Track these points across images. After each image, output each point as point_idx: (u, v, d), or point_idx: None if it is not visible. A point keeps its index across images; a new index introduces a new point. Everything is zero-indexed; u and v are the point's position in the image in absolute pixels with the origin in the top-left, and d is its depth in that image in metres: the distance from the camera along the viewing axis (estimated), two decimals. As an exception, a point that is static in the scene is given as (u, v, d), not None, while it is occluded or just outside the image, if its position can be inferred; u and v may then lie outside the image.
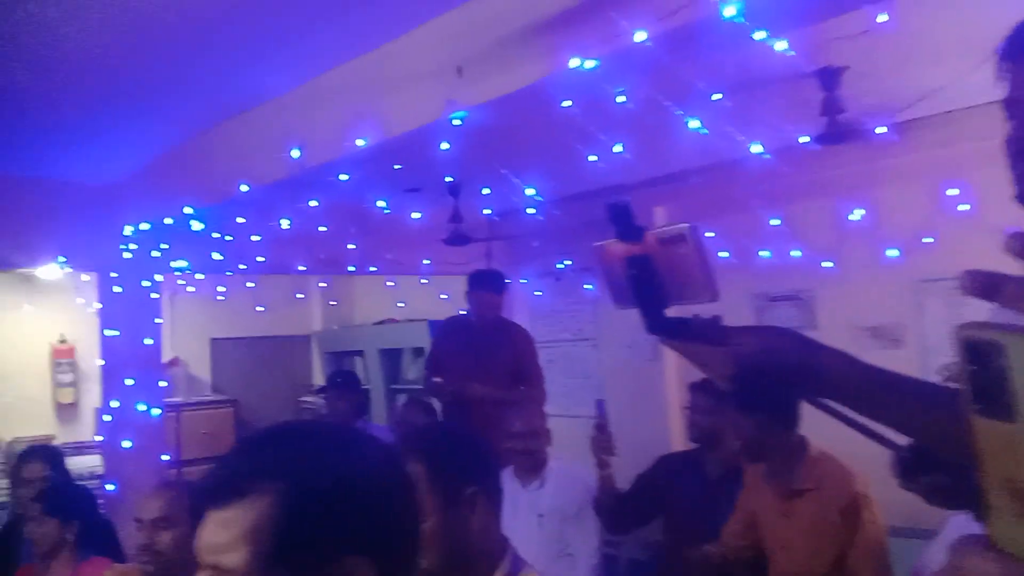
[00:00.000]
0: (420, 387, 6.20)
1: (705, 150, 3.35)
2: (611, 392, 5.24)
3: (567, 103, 2.55)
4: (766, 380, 1.01)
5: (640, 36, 2.18)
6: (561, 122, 2.85)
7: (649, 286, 0.97)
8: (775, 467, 2.58)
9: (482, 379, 4.13)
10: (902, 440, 1.05)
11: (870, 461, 2.49)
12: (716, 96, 2.55)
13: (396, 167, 3.48)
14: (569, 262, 5.31)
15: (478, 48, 2.65)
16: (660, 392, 4.97)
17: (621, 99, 2.57)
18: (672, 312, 1.00)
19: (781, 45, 2.26)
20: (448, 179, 3.92)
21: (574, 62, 2.30)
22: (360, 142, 3.03)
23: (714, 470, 3.14)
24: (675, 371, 4.87)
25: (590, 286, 5.25)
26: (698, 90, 2.67)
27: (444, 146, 2.93)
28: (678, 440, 4.56)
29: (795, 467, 2.54)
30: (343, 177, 3.36)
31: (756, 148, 2.83)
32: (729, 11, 2.04)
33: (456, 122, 2.74)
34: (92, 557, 2.68)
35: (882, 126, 3.02)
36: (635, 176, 3.80)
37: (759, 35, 2.18)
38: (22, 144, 4.00)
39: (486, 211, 4.18)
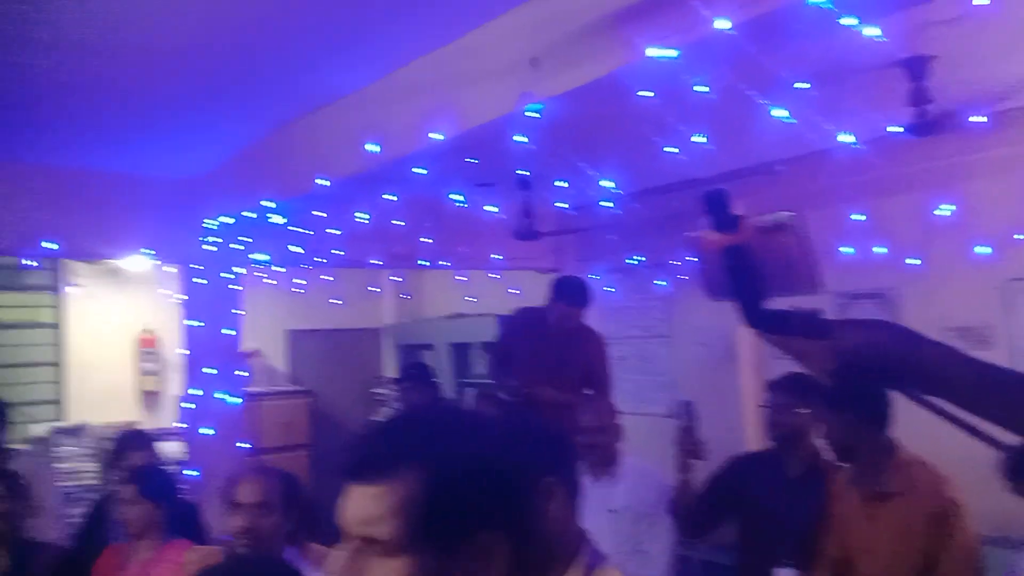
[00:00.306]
0: (490, 381, 6.24)
1: (787, 141, 3.25)
2: (684, 390, 5.15)
3: (645, 93, 2.50)
4: (870, 375, 0.96)
5: (722, 24, 2.12)
6: (637, 113, 2.81)
7: (747, 277, 0.94)
8: (863, 468, 2.48)
9: (550, 380, 4.12)
10: (1011, 439, 0.99)
11: (963, 467, 2.39)
12: (801, 85, 2.47)
13: (470, 161, 3.48)
14: (641, 257, 5.24)
15: (553, 39, 2.62)
16: (735, 390, 4.86)
17: (700, 89, 2.51)
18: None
19: (872, 32, 2.17)
20: (521, 172, 3.90)
21: (652, 52, 2.26)
22: (436, 136, 3.04)
23: (793, 471, 3.05)
24: (751, 369, 4.76)
25: (662, 282, 5.17)
26: (781, 79, 2.59)
27: (518, 138, 2.91)
28: (753, 440, 4.46)
29: (884, 469, 2.44)
30: (418, 171, 3.37)
31: (845, 138, 2.73)
32: (816, -4, 1.96)
33: (531, 114, 2.72)
34: (175, 539, 2.77)
35: (978, 116, 2.87)
36: (713, 168, 3.72)
37: (847, 21, 2.10)
38: (110, 140, 4.16)
39: (561, 204, 4.14)
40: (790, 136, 3.00)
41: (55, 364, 5.93)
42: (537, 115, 2.74)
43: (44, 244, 4.33)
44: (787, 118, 2.51)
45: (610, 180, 3.60)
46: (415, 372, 4.81)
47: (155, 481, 2.83)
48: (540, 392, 4.03)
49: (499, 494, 0.92)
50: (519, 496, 0.95)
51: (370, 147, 3.32)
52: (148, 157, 4.46)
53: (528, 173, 4.07)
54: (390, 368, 7.34)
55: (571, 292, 4.18)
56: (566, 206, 4.25)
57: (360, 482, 0.91)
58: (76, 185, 4.51)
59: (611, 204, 3.74)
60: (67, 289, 5.90)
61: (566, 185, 4.09)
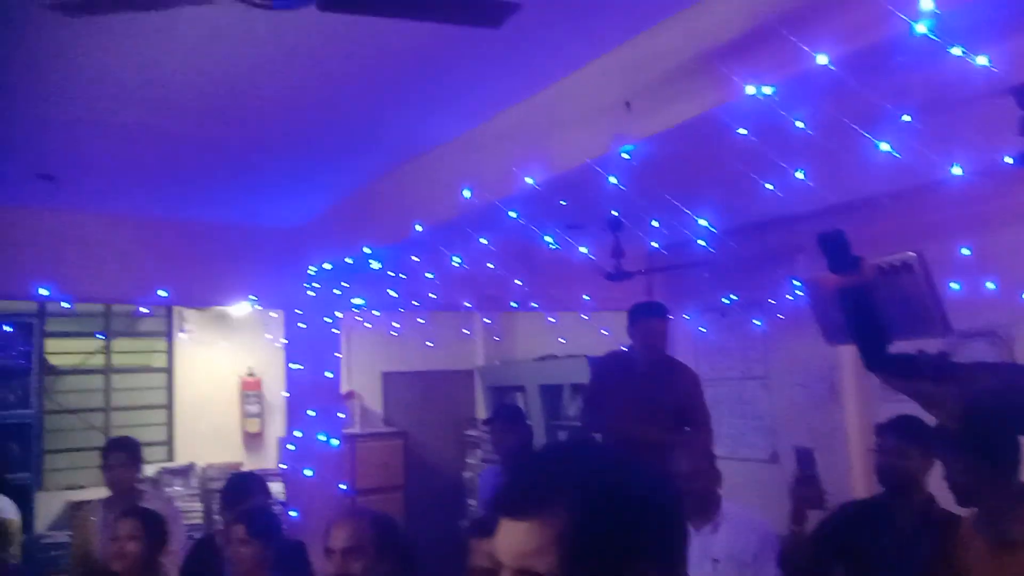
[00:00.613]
0: (580, 424, 6.19)
1: (891, 175, 3.16)
2: (785, 434, 4.99)
3: (741, 131, 2.49)
4: (1002, 417, 0.92)
5: (822, 59, 2.10)
6: (733, 150, 2.79)
7: (869, 320, 0.92)
8: (991, 515, 2.34)
9: (645, 419, 4.04)
10: None
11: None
12: (906, 117, 2.40)
13: (562, 203, 3.52)
14: (736, 296, 5.14)
15: (647, 81, 2.64)
16: (839, 433, 4.67)
17: (799, 124, 2.48)
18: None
19: (980, 60, 2.10)
20: (613, 213, 3.91)
21: (750, 90, 2.25)
22: (529, 180, 3.09)
23: (906, 519, 2.89)
24: (856, 411, 4.57)
25: (758, 321, 5.05)
26: (885, 111, 2.53)
27: (612, 180, 2.93)
28: (860, 486, 4.26)
29: (1015, 516, 2.29)
30: (511, 214, 3.43)
31: (953, 171, 2.64)
32: (921, 28, 1.92)
33: (624, 155, 2.74)
34: (281, 578, 2.83)
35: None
36: (812, 204, 3.64)
37: (955, 51, 2.04)
38: (219, 193, 4.39)
39: (653, 244, 4.12)
40: (894, 169, 2.91)
41: (165, 407, 6.22)
42: (629, 156, 2.76)
43: (158, 292, 4.58)
44: (891, 151, 2.44)
45: (704, 218, 3.57)
46: (506, 414, 4.82)
47: (264, 521, 2.92)
48: (633, 432, 3.96)
49: (654, 528, 0.94)
50: (671, 531, 0.97)
51: (465, 193, 3.41)
52: (254, 208, 4.68)
53: (618, 214, 4.08)
54: (482, 410, 7.38)
55: (647, 308, 4.13)
56: (657, 245, 4.22)
57: (516, 516, 0.93)
58: (186, 236, 4.77)
59: (704, 242, 3.69)
60: (178, 335, 6.20)
61: (658, 224, 4.07)
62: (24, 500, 4.98)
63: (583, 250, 3.96)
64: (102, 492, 5.10)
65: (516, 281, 4.92)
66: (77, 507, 4.99)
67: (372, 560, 2.34)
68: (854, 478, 4.45)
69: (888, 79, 2.39)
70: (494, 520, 1.98)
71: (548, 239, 3.83)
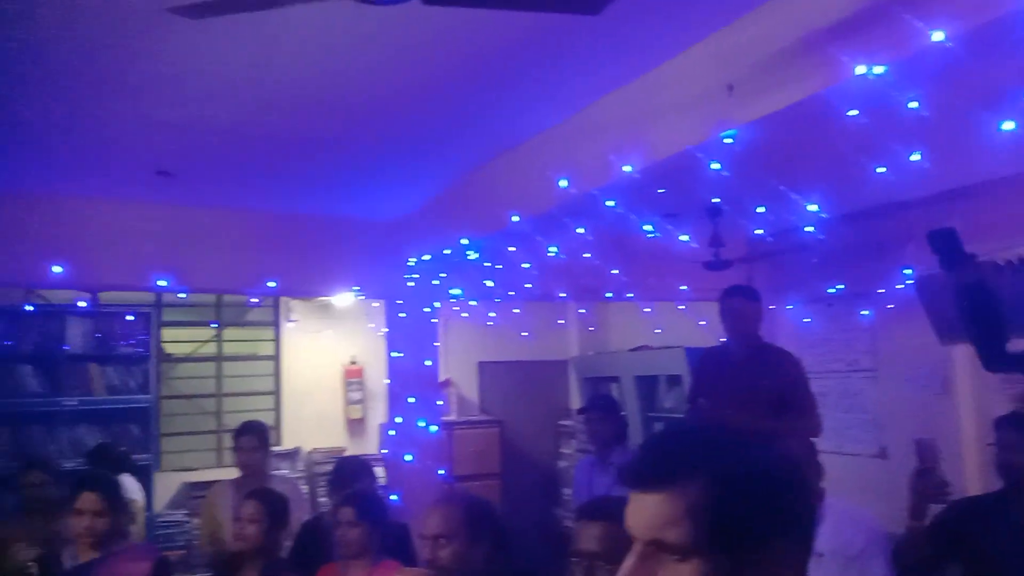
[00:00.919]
0: (677, 415, 6.10)
1: (1008, 158, 2.99)
2: (894, 429, 4.80)
3: (851, 113, 2.40)
4: None
5: (937, 36, 2.01)
6: (841, 133, 2.70)
7: (986, 318, 0.88)
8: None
9: (748, 409, 3.95)
10: None
11: None
12: (1030, 95, 2.27)
13: (660, 191, 3.48)
14: (841, 286, 4.96)
15: (750, 64, 2.59)
16: (952, 429, 4.46)
17: (912, 105, 2.38)
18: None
19: (1116, 30, 1.97)
20: (714, 201, 3.85)
21: (860, 70, 2.17)
22: (626, 168, 3.08)
23: (1025, 514, 2.74)
24: (970, 405, 4.36)
25: (867, 312, 4.87)
26: (1003, 91, 2.40)
27: (713, 166, 2.88)
28: (975, 482, 4.06)
29: None
30: (608, 203, 3.42)
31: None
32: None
33: (727, 141, 2.69)
34: (386, 560, 2.92)
35: None
36: (925, 189, 3.48)
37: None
38: (324, 187, 4.54)
39: (757, 231, 4.03)
40: (1012, 152, 2.76)
41: (273, 393, 6.48)
42: (732, 140, 2.71)
43: (267, 283, 4.78)
44: (1013, 129, 2.31)
45: (809, 205, 3.47)
46: (600, 403, 4.80)
47: (371, 504, 3.01)
48: (738, 419, 3.88)
49: (789, 503, 0.94)
50: (805, 508, 0.97)
51: (561, 183, 3.42)
52: (357, 202, 4.82)
53: (719, 200, 4.00)
54: (576, 400, 7.39)
55: (735, 289, 4.00)
56: (761, 232, 4.11)
57: (650, 489, 0.94)
58: (293, 229, 4.96)
59: (811, 228, 3.59)
60: (285, 324, 6.46)
61: (761, 211, 3.98)
62: (144, 480, 5.30)
63: (684, 238, 3.90)
64: (216, 474, 5.39)
65: (612, 271, 4.89)
66: (201, 487, 5.26)
67: (464, 545, 2.36)
68: (968, 473, 4.25)
69: (1007, 57, 2.26)
70: (603, 503, 1.98)
71: (646, 228, 3.80)
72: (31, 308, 5.26)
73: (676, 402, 6.22)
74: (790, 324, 5.47)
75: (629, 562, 0.94)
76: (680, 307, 5.82)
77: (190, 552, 4.78)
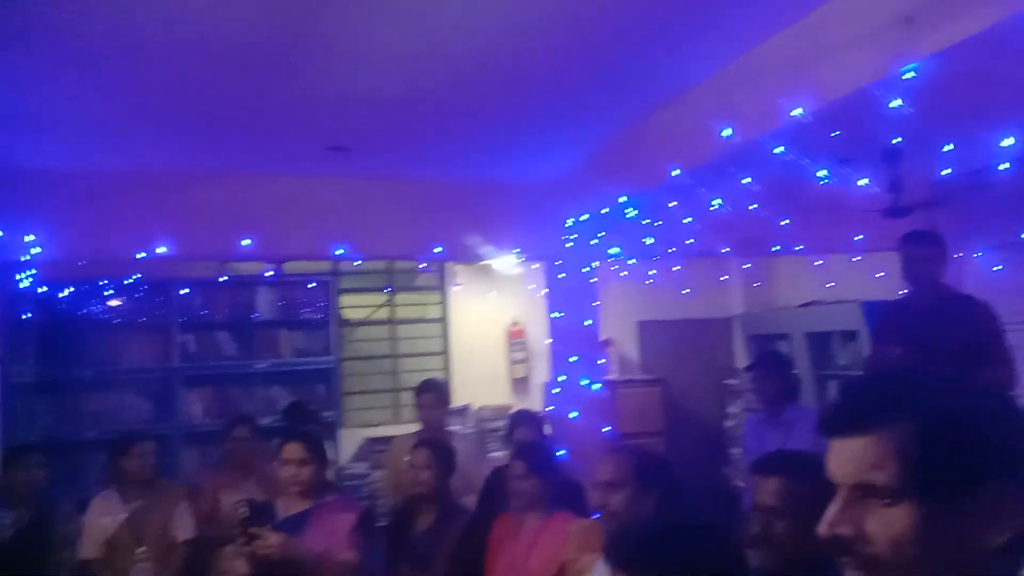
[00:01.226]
0: (853, 373, 5.81)
1: None
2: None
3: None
4: None
5: None
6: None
7: None
8: None
9: (930, 361, 3.69)
10: None
11: None
12: None
13: (833, 135, 3.30)
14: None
15: (933, -9, 2.39)
16: None
17: None
18: None
19: None
20: (894, 141, 3.59)
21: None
22: (796, 112, 2.94)
23: None
24: None
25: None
26: None
27: (893, 104, 2.69)
28: None
29: None
30: (776, 150, 3.28)
31: None
32: None
33: (907, 76, 2.50)
34: (559, 512, 3.00)
35: None
36: None
37: None
38: (484, 152, 4.64)
39: (943, 172, 3.74)
40: None
41: (442, 354, 6.77)
42: (913, 75, 2.52)
43: (434, 249, 4.97)
44: None
45: (1000, 143, 3.17)
46: (769, 360, 4.65)
47: (542, 457, 3.11)
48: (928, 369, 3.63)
49: (1009, 442, 0.90)
50: (1021, 448, 0.92)
51: (725, 132, 3.31)
52: (516, 165, 4.90)
53: (899, 140, 3.73)
54: (741, 359, 7.20)
55: (913, 234, 3.72)
56: (948, 171, 3.80)
57: (853, 434, 0.93)
58: (456, 196, 5.12)
59: (1006, 165, 3.28)
60: (451, 288, 6.70)
61: (948, 149, 3.67)
62: (330, 436, 5.71)
63: (863, 182, 3.67)
64: (393, 430, 5.72)
65: (780, 222, 4.70)
66: (381, 442, 5.60)
67: (635, 493, 2.39)
68: None
69: None
70: (779, 458, 1.94)
71: (819, 173, 3.61)
72: (225, 279, 5.75)
73: (851, 360, 5.93)
74: (978, 272, 5.06)
75: (834, 508, 0.92)
76: (855, 258, 5.52)
77: (373, 502, 5.12)
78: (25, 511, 3.61)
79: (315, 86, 3.51)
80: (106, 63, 3.18)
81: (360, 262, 5.22)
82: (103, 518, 3.64)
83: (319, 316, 6.27)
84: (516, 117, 4.06)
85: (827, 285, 6.09)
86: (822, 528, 0.92)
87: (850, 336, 5.87)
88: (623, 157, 4.37)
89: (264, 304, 6.16)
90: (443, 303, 6.79)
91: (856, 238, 5.08)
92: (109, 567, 3.55)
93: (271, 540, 2.69)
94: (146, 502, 3.70)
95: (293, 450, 2.97)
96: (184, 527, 3.75)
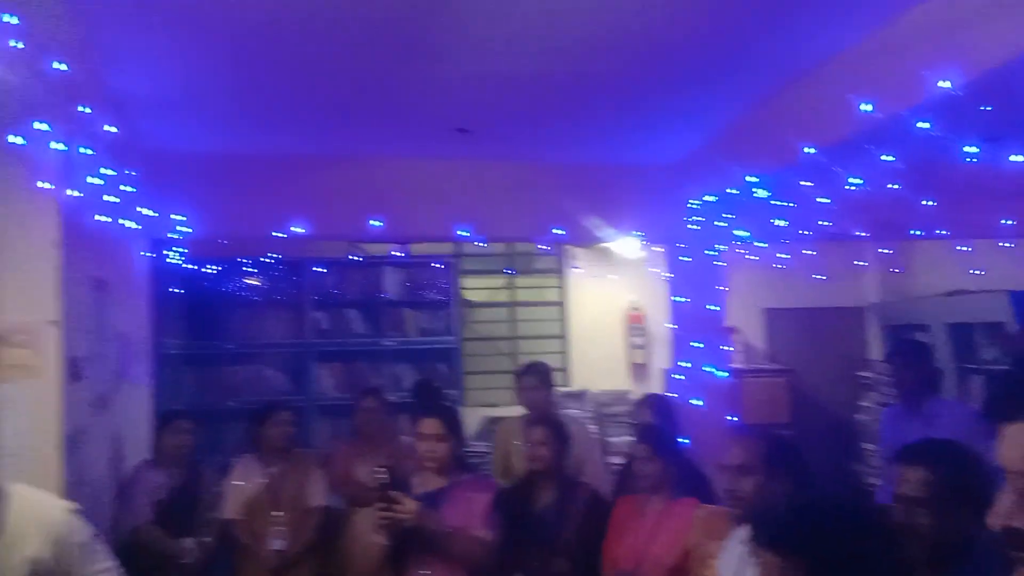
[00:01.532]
0: (1000, 368, 5.42)
1: None
2: None
3: None
4: None
5: None
6: None
7: None
8: None
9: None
10: None
11: None
12: None
13: (984, 109, 3.07)
14: None
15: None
16: None
17: None
18: None
19: None
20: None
21: None
22: (944, 84, 2.76)
23: None
24: None
25: None
26: None
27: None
28: None
29: None
30: (921, 126, 3.09)
31: None
32: None
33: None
34: (683, 497, 2.95)
35: None
36: None
37: None
38: (606, 134, 4.61)
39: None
40: None
41: (560, 337, 6.78)
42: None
43: (554, 231, 4.98)
44: None
45: None
46: (909, 348, 4.39)
47: (667, 442, 3.07)
48: None
49: None
50: None
51: (864, 107, 3.15)
52: (636, 147, 4.84)
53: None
54: (875, 350, 6.86)
55: None
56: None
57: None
58: (577, 178, 5.11)
59: None
60: (569, 271, 6.70)
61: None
62: (452, 414, 5.83)
63: (1016, 158, 3.42)
64: (514, 410, 5.79)
65: (923, 202, 4.42)
66: (495, 421, 5.70)
67: (765, 478, 2.31)
68: None
69: None
70: (926, 447, 1.85)
71: (966, 151, 3.39)
72: (355, 259, 5.97)
73: (998, 353, 5.54)
74: None
75: (1008, 497, 0.86)
76: (1004, 244, 5.14)
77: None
78: (177, 472, 3.89)
79: (443, 69, 3.58)
80: (243, 51, 3.36)
81: (482, 243, 5.30)
82: (245, 480, 3.87)
83: (442, 297, 6.41)
84: (640, 97, 4.01)
85: (972, 272, 5.71)
86: (993, 520, 0.86)
87: (997, 328, 5.49)
88: (752, 135, 4.23)
89: (391, 284, 6.36)
90: (561, 286, 6.81)
91: (1006, 222, 4.72)
92: (249, 528, 3.78)
93: (409, 506, 2.69)
94: (283, 468, 3.91)
95: (431, 425, 2.94)
96: (317, 494, 3.94)
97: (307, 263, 6.04)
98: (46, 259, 2.99)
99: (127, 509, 3.77)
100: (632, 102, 4.09)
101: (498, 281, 6.85)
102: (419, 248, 5.96)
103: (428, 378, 5.67)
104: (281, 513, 3.74)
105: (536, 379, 4.24)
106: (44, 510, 2.08)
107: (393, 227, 4.91)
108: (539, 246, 5.71)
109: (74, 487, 3.04)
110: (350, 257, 5.97)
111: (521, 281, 6.87)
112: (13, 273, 2.81)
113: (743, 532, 2.29)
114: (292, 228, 4.73)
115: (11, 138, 2.78)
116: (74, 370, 3.22)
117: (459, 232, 4.90)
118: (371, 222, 4.84)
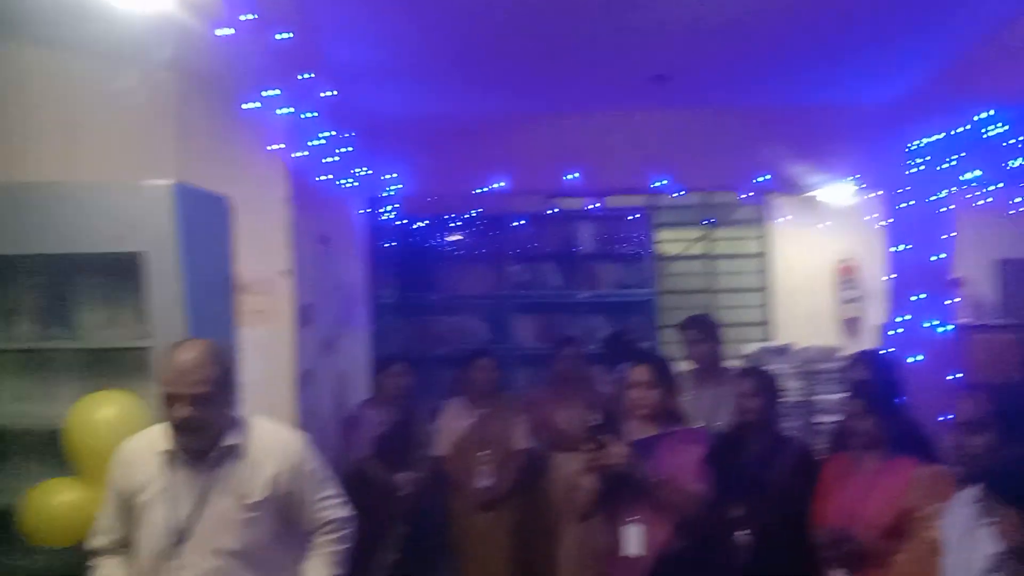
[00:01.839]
0: None
1: None
2: None
3: None
4: None
5: None
6: None
7: None
8: None
9: None
10: None
11: None
12: None
13: None
14: None
15: None
16: None
17: None
18: None
19: None
20: None
21: None
22: None
23: None
24: None
25: None
26: None
27: None
28: None
29: None
30: None
31: None
32: None
33: None
34: (900, 456, 2.78)
35: None
36: None
37: None
38: (813, 74, 4.33)
39: None
40: None
41: (762, 290, 6.53)
42: None
43: (758, 179, 4.78)
44: None
45: None
46: None
47: (883, 399, 2.90)
48: None
49: None
50: None
51: None
52: (847, 86, 4.51)
53: None
54: None
55: None
56: None
57: None
58: (782, 123, 4.85)
59: None
60: (771, 221, 6.40)
61: None
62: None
63: None
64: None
65: None
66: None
67: (999, 436, 2.12)
68: None
69: None
70: None
71: None
72: (551, 213, 6.06)
73: None
74: None
75: None
76: None
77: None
78: (394, 411, 4.20)
79: (638, 17, 3.52)
80: (447, 16, 3.48)
81: (679, 194, 5.19)
82: (454, 421, 4.14)
83: (637, 250, 6.36)
84: (850, 32, 3.73)
85: None
86: None
87: None
88: (984, 68, 3.81)
89: (586, 237, 6.39)
90: (763, 237, 6.52)
91: None
92: (458, 464, 4.05)
93: (619, 451, 2.68)
94: (489, 411, 4.13)
95: (641, 372, 2.89)
96: (521, 436, 4.12)
97: (506, 218, 6.21)
98: (278, 215, 3.31)
99: (350, 444, 4.14)
100: (843, 39, 3.82)
101: (693, 233, 6.69)
102: (614, 201, 5.93)
103: (620, 330, 5.68)
104: (488, 452, 3.95)
105: (699, 332, 4.10)
106: (281, 438, 2.30)
107: (590, 180, 4.93)
108: (739, 196, 5.50)
109: (305, 420, 3.38)
110: (547, 212, 6.06)
111: (719, 233, 6.67)
112: (250, 229, 3.10)
113: (971, 492, 2.14)
114: (493, 184, 4.89)
115: (245, 104, 3.08)
116: (305, 316, 3.56)
117: (656, 183, 4.83)
118: (568, 176, 4.89)
